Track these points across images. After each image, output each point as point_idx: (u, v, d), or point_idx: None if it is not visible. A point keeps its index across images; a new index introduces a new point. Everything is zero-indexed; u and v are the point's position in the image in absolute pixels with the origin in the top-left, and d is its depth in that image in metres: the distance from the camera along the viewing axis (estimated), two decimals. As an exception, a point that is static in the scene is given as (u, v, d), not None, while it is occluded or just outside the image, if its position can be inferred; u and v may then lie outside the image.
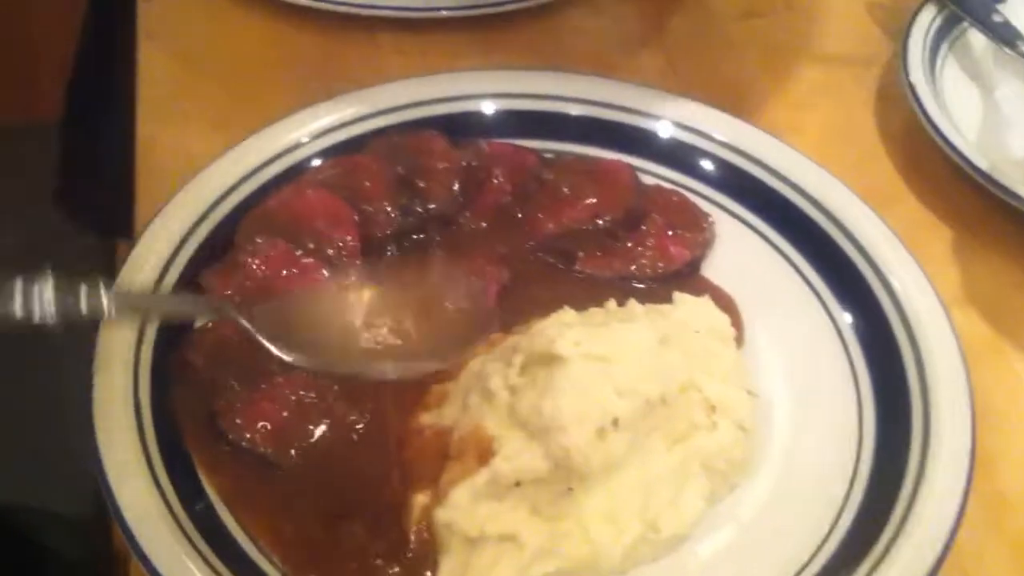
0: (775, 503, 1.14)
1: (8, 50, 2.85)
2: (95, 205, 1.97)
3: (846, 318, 1.27)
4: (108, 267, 1.39)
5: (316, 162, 1.34)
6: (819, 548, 1.10)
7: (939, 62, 1.57)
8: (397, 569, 1.06)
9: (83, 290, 1.04)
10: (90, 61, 1.98)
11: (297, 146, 1.34)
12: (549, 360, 1.09)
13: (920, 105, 1.47)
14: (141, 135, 1.42)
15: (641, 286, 1.30)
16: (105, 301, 1.05)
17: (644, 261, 1.31)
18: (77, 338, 1.11)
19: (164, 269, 1.21)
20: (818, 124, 1.56)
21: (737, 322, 1.27)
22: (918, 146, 1.50)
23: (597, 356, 1.08)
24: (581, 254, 1.31)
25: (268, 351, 1.15)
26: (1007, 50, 1.58)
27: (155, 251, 1.21)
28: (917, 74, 1.50)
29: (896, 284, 1.26)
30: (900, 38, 1.57)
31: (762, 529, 1.13)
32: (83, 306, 1.04)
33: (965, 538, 1.08)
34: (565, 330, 1.11)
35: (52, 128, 2.06)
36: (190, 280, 1.22)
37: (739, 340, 1.25)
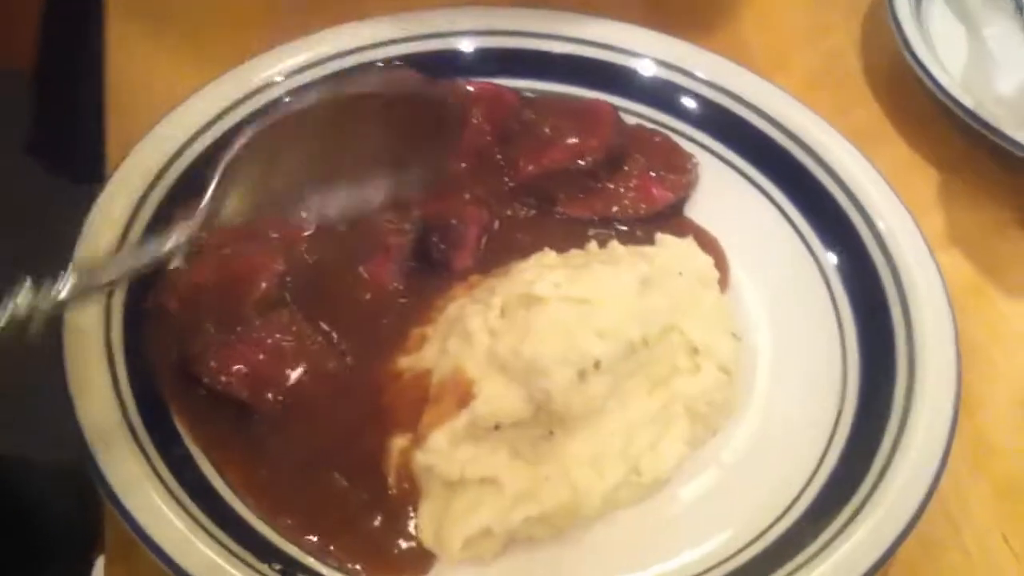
0: (758, 447, 1.14)
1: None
2: (69, 152, 1.93)
3: (830, 259, 1.26)
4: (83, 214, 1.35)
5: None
6: (802, 492, 1.10)
7: (926, 2, 1.55)
8: (377, 514, 1.05)
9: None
10: (60, 6, 1.94)
11: (271, 84, 1.31)
12: (529, 302, 1.07)
13: (906, 43, 1.45)
14: (111, 75, 1.38)
15: (623, 228, 1.29)
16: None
17: (626, 203, 1.29)
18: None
19: (135, 209, 1.18)
20: (803, 63, 1.54)
21: (722, 264, 1.25)
22: (904, 85, 1.48)
23: (578, 298, 1.07)
24: (562, 196, 1.29)
25: (246, 291, 1.13)
26: (996, -11, 1.56)
27: (127, 190, 1.19)
28: (904, 11, 1.48)
29: (881, 225, 1.24)
30: (887, -26, 1.54)
31: (744, 473, 1.12)
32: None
33: (948, 481, 1.08)
34: (545, 272, 1.10)
35: (23, 75, 2.02)
36: (163, 219, 1.18)
37: (723, 283, 1.24)
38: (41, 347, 1.06)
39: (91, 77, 1.41)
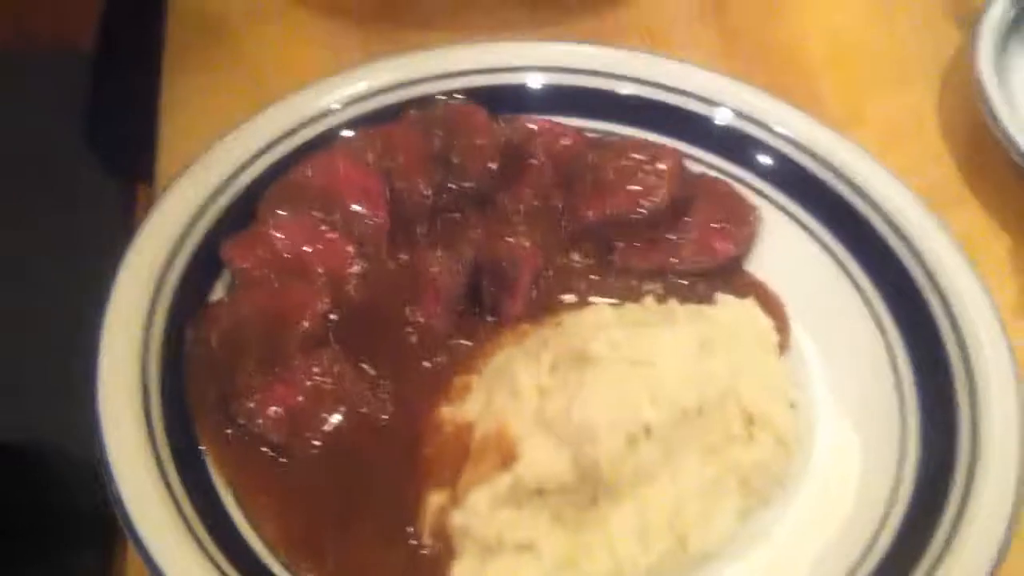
0: (810, 523, 1.09)
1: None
2: (119, 147, 1.92)
3: (896, 329, 1.20)
4: (127, 211, 1.33)
5: (348, 131, 1.28)
6: (855, 571, 1.04)
7: (1009, 57, 1.49)
8: (405, 567, 1.02)
9: None
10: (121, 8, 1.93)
11: (328, 112, 1.27)
12: (582, 361, 1.03)
13: (987, 101, 1.39)
14: (168, 87, 1.36)
15: (682, 281, 1.24)
16: None
17: (686, 255, 1.25)
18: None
19: (182, 237, 1.15)
20: (880, 116, 1.48)
21: (783, 325, 1.21)
22: (983, 145, 1.42)
23: (633, 359, 1.03)
24: (621, 244, 1.25)
25: (289, 329, 1.10)
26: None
27: (173, 218, 1.15)
28: (986, 69, 1.42)
29: (951, 296, 1.18)
30: (970, 29, 1.48)
31: (795, 550, 1.07)
32: None
33: (1012, 566, 1.02)
34: (600, 330, 1.05)
35: (79, 56, 2.02)
36: (209, 250, 1.16)
37: (783, 344, 1.19)
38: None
39: (148, 77, 1.39)
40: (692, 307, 1.16)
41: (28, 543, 1.85)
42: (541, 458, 0.99)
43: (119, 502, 0.96)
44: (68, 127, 2.08)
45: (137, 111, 1.41)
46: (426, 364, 1.14)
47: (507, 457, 1.00)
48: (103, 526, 1.06)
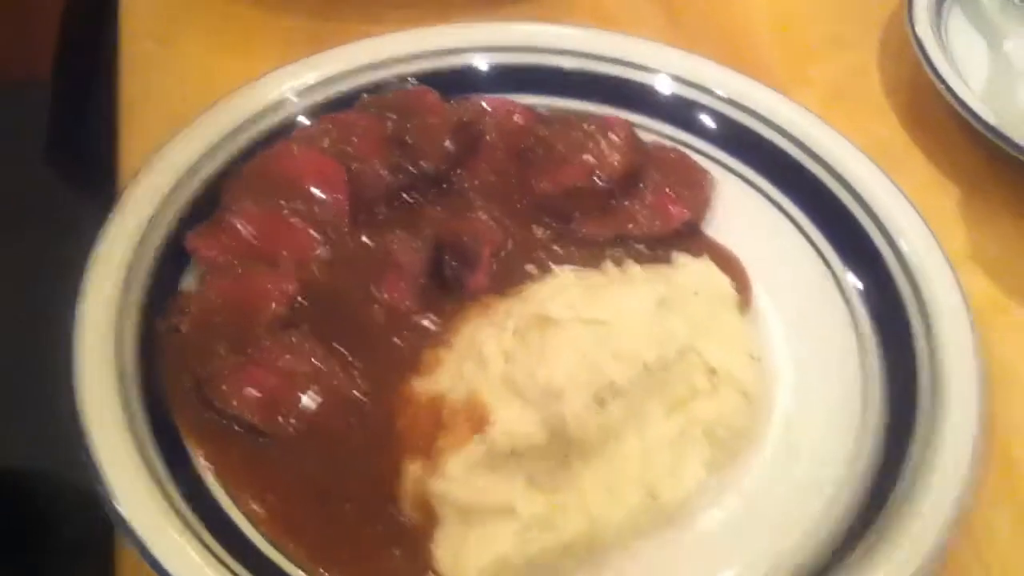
0: (778, 472, 1.11)
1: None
2: (85, 162, 1.94)
3: (851, 279, 1.24)
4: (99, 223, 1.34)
5: (304, 120, 1.30)
6: (823, 518, 1.07)
7: (945, 14, 1.53)
8: (392, 543, 1.03)
9: None
10: (77, 17, 1.94)
11: (281, 103, 1.30)
12: (544, 324, 1.06)
13: (926, 58, 1.42)
14: (124, 90, 1.38)
15: (640, 247, 1.27)
16: None
17: (642, 220, 1.27)
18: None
19: (147, 230, 1.16)
20: (822, 79, 1.52)
21: (743, 284, 1.23)
22: (925, 101, 1.46)
23: (594, 319, 1.06)
24: (578, 214, 1.27)
25: (257, 313, 1.12)
26: (1017, 0, 1.54)
27: (137, 212, 1.17)
28: (923, 27, 1.46)
29: (903, 244, 1.22)
30: (906, -11, 1.52)
31: (765, 498, 1.10)
32: None
33: (976, 508, 1.06)
34: (560, 293, 1.08)
35: (41, 86, 2.03)
36: (175, 241, 1.18)
37: (745, 302, 1.22)
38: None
39: (105, 88, 1.40)
40: (649, 268, 1.18)
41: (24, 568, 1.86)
42: (511, 421, 1.02)
43: (107, 493, 0.97)
44: (35, 152, 2.10)
45: (98, 125, 1.43)
46: (395, 341, 1.16)
47: (479, 423, 1.02)
48: (98, 549, 1.07)
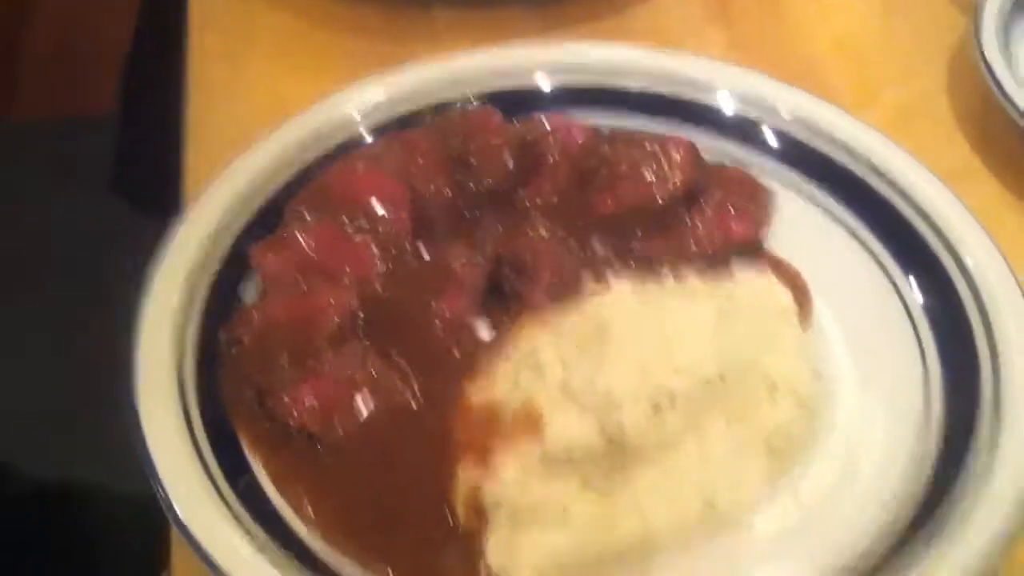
0: (838, 485, 1.10)
1: (63, 47, 2.89)
2: (152, 191, 1.97)
3: (916, 298, 1.22)
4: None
5: (368, 139, 1.32)
6: (883, 532, 1.06)
7: (1014, 36, 1.51)
8: (447, 548, 1.03)
9: None
10: (144, 50, 1.98)
11: (349, 121, 1.31)
12: (602, 334, 1.06)
13: (995, 81, 1.41)
14: (191, 115, 1.41)
15: (701, 265, 1.26)
16: None
17: (703, 238, 1.26)
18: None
19: (211, 243, 1.18)
20: (889, 104, 1.51)
21: (804, 300, 1.22)
22: (993, 124, 1.45)
23: (653, 332, 1.05)
24: (639, 233, 1.27)
25: (318, 327, 1.13)
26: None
27: (201, 225, 1.19)
28: (992, 50, 1.45)
29: (970, 262, 1.20)
30: (973, 12, 1.51)
31: (824, 511, 1.08)
32: None
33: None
34: (619, 304, 1.08)
35: (109, 121, 2.07)
36: (238, 255, 1.20)
37: (805, 319, 1.21)
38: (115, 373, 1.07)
39: (173, 117, 1.43)
40: (710, 283, 1.17)
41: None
42: (568, 427, 1.01)
43: (166, 500, 0.99)
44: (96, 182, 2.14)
45: (167, 157, 1.45)
46: (453, 353, 1.16)
47: (535, 429, 1.02)
48: (153, 564, 1.08)
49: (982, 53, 1.44)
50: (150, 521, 1.00)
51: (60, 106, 2.83)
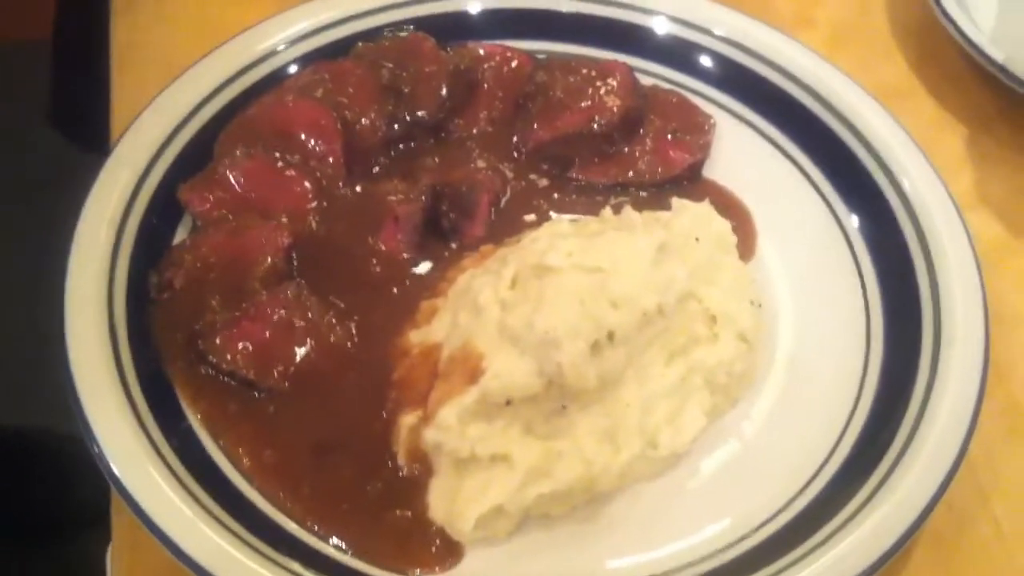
0: (779, 417, 1.10)
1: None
2: (86, 122, 1.92)
3: (853, 221, 1.22)
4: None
5: (297, 68, 1.28)
6: (825, 463, 1.07)
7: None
8: (387, 495, 1.02)
9: None
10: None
11: (275, 52, 1.28)
12: (541, 272, 1.04)
13: (935, -2, 1.40)
14: (117, 40, 1.36)
15: (641, 193, 1.25)
16: None
17: (642, 166, 1.25)
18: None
19: (139, 183, 1.15)
20: (827, 18, 1.49)
21: (748, 230, 1.22)
22: (932, 40, 1.44)
23: (591, 267, 1.03)
24: (577, 161, 1.25)
25: (251, 266, 1.11)
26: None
27: (130, 163, 1.16)
28: (931, -37, 1.42)
29: (907, 184, 1.20)
30: (914, -76, 1.48)
31: (766, 444, 1.09)
32: None
33: (979, 450, 1.05)
34: (557, 241, 1.06)
35: (41, 46, 2.01)
36: (167, 194, 1.17)
37: (750, 247, 1.21)
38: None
39: (103, 47, 1.39)
40: (648, 214, 1.16)
41: (27, 533, 1.86)
42: (507, 369, 1.00)
43: (97, 450, 0.97)
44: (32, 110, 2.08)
45: (95, 86, 1.41)
46: (391, 292, 1.14)
47: (474, 372, 1.01)
48: (102, 510, 1.06)
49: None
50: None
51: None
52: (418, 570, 0.99)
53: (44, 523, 1.92)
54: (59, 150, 2.14)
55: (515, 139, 1.27)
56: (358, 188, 1.20)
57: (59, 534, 1.91)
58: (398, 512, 1.01)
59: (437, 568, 0.99)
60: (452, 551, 1.00)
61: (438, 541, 1.01)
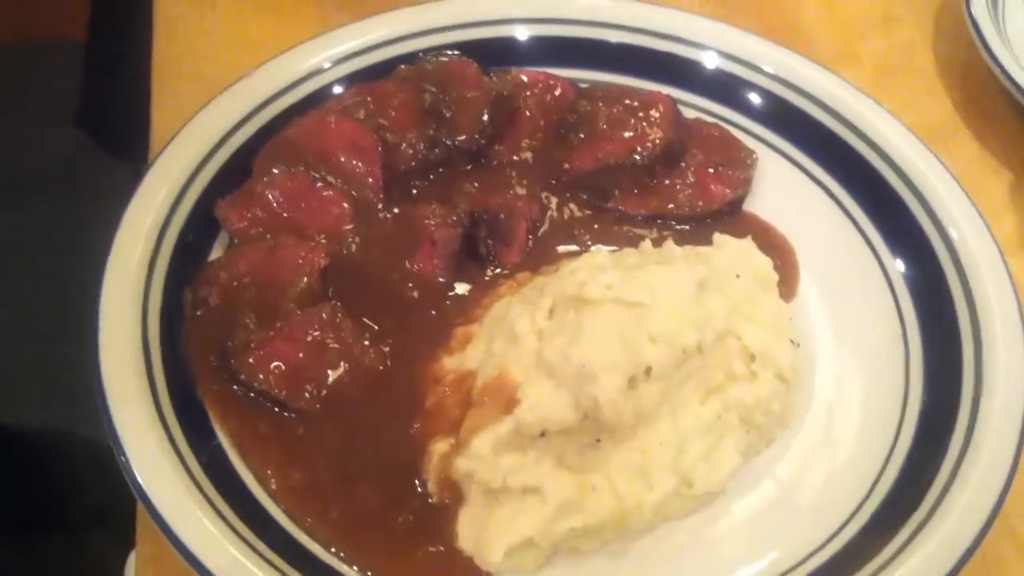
0: (815, 459, 1.09)
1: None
2: (115, 126, 1.92)
3: (897, 265, 1.21)
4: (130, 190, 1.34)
5: (339, 89, 1.28)
6: (859, 508, 1.05)
7: (1000, -7, 1.48)
8: (415, 525, 1.01)
9: None
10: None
11: (319, 71, 1.27)
12: (579, 304, 1.03)
13: (981, 38, 1.38)
14: (157, 53, 1.36)
15: (680, 226, 1.24)
16: None
17: (683, 199, 1.24)
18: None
19: (177, 198, 1.15)
20: (873, 57, 1.48)
21: (790, 267, 1.21)
22: (978, 82, 1.43)
23: (630, 301, 1.02)
24: (616, 191, 1.24)
25: (286, 285, 1.10)
26: (1076, -19, 1.49)
27: (168, 179, 1.15)
28: (979, 6, 1.41)
29: (953, 233, 1.18)
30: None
31: (800, 487, 1.07)
32: None
33: (1014, 496, 1.02)
34: (596, 272, 1.05)
35: (77, 46, 2.01)
36: (204, 210, 1.16)
37: (791, 287, 1.20)
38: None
39: (139, 54, 1.39)
40: (689, 248, 1.15)
41: (44, 530, 1.86)
42: (542, 401, 0.99)
43: (125, 463, 0.96)
44: (67, 115, 2.09)
45: (130, 88, 1.41)
46: (426, 316, 1.14)
47: (509, 402, 1.00)
48: (116, 511, 1.06)
49: (968, 6, 1.41)
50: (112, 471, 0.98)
51: (25, 30, 2.76)
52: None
53: (51, 522, 1.91)
54: (84, 151, 2.15)
55: (555, 167, 1.26)
56: (396, 211, 1.19)
57: (71, 535, 1.90)
58: (431, 549, 1.00)
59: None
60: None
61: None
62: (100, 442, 0.98)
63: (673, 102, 1.28)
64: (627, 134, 1.25)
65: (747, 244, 1.17)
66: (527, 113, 1.28)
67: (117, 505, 1.06)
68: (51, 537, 1.88)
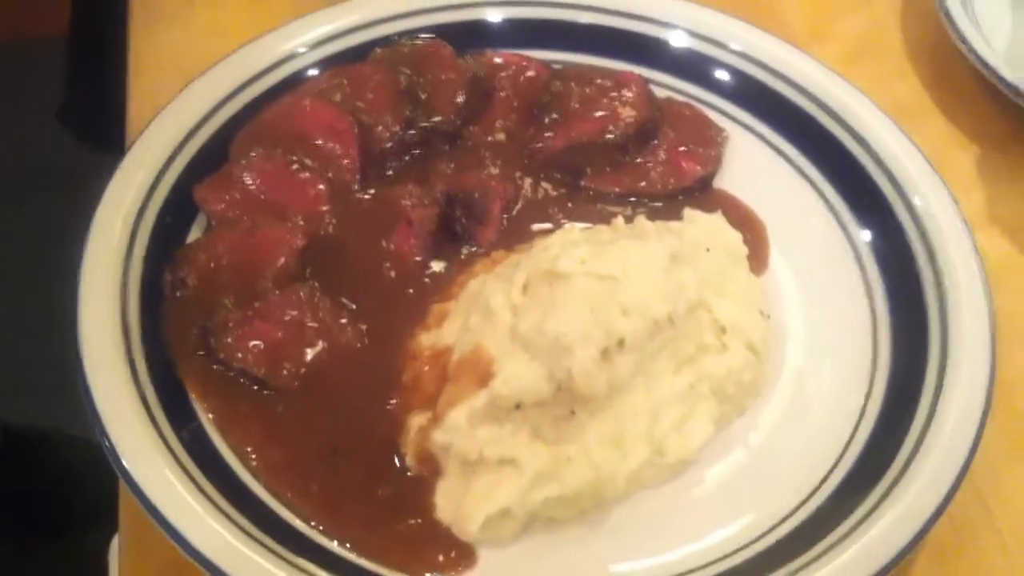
0: (785, 427, 1.11)
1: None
2: (97, 121, 1.93)
3: (864, 236, 1.23)
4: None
5: (315, 72, 1.29)
6: (830, 473, 1.07)
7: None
8: (394, 498, 1.03)
9: None
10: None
11: (295, 55, 1.29)
12: (553, 278, 1.04)
13: (949, 17, 1.40)
14: (134, 45, 1.37)
15: (653, 203, 1.26)
16: None
17: (654, 177, 1.26)
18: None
19: (155, 181, 1.16)
20: (842, 36, 1.50)
21: (760, 241, 1.23)
22: (946, 60, 1.45)
23: (603, 274, 1.04)
24: (590, 170, 1.26)
25: (265, 265, 1.12)
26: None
27: (145, 163, 1.17)
28: (949, -8, 1.43)
29: (918, 202, 1.20)
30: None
31: (772, 453, 1.09)
32: None
33: (982, 463, 1.05)
34: (570, 247, 1.07)
35: (55, 44, 2.02)
36: (183, 193, 1.17)
37: (762, 260, 1.22)
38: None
39: (119, 45, 1.40)
40: (660, 223, 1.16)
41: (44, 530, 1.87)
42: (517, 373, 1.01)
43: (107, 443, 0.98)
44: (46, 107, 2.10)
45: (113, 85, 1.42)
46: (402, 295, 1.15)
47: (484, 375, 1.02)
48: (107, 508, 1.07)
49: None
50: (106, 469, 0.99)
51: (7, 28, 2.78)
52: (427, 573, 1.00)
53: (48, 521, 1.92)
54: (67, 147, 2.15)
55: (529, 147, 1.28)
56: (373, 192, 1.21)
57: (62, 532, 1.91)
58: (410, 521, 1.02)
59: (448, 571, 1.00)
60: (464, 556, 1.01)
61: (450, 550, 1.01)
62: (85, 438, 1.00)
63: (645, 81, 1.30)
64: (600, 114, 1.27)
65: (717, 218, 1.19)
66: (501, 94, 1.30)
67: (105, 502, 1.07)
68: (51, 537, 1.89)
